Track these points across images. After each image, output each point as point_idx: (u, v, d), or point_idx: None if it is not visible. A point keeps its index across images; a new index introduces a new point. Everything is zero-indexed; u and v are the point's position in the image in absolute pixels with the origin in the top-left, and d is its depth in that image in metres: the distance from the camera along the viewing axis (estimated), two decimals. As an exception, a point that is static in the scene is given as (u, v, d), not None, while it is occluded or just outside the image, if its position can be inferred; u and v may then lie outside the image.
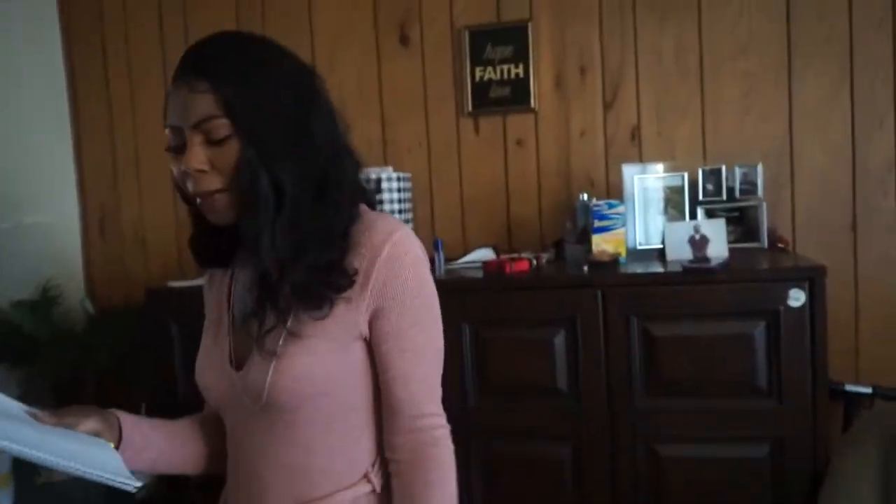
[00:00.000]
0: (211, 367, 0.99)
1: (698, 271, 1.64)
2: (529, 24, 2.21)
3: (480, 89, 2.27)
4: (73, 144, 2.59)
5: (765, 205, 1.87)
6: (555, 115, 2.24)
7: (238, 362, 0.96)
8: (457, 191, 2.32)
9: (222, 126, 0.87)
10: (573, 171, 2.23)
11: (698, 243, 1.85)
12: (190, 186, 0.89)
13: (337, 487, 0.93)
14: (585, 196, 2.00)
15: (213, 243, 0.99)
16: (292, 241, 0.89)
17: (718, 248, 1.83)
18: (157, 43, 2.52)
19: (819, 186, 2.04)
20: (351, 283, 0.90)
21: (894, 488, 1.42)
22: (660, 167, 1.97)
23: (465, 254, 2.15)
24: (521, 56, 2.23)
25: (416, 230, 2.21)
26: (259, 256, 0.89)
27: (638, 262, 1.88)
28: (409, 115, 2.34)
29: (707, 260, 1.78)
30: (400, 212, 2.09)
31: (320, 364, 0.90)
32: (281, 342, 0.90)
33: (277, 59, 0.93)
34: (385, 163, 2.32)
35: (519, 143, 2.27)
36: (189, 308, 1.90)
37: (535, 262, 1.86)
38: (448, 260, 2.06)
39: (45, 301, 2.37)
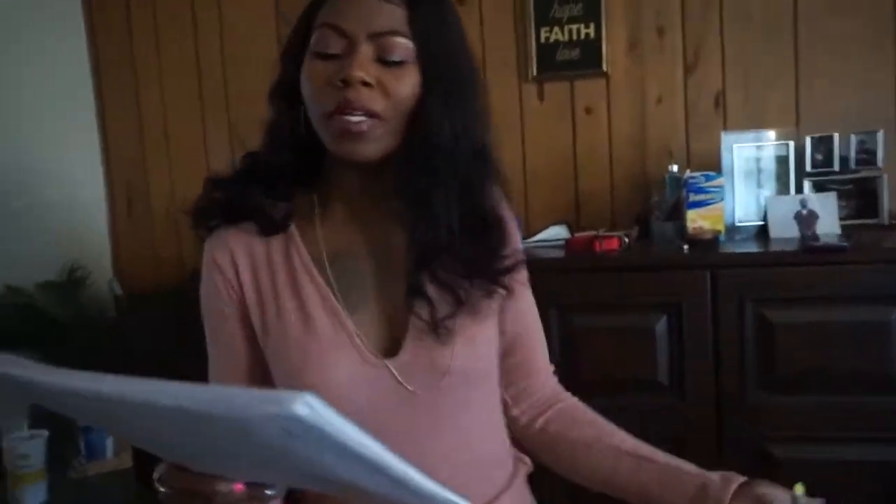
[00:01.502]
0: (339, 360, 0.81)
1: (824, 249, 1.46)
2: (602, -19, 2.01)
3: (546, 52, 2.07)
4: (96, 116, 2.40)
5: (885, 176, 1.68)
6: (629, 81, 2.04)
7: (382, 348, 0.83)
8: (519, 164, 2.13)
9: (404, 48, 0.77)
10: (649, 141, 2.04)
11: (806, 219, 1.66)
12: (338, 99, 0.75)
13: (508, 474, 0.91)
14: (676, 167, 1.81)
15: (262, 198, 0.85)
16: (461, 207, 0.80)
17: (829, 225, 1.64)
18: (187, 7, 2.31)
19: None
20: (517, 262, 0.86)
21: None
22: (770, 134, 1.77)
23: (529, 232, 1.97)
24: (592, 14, 2.03)
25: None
26: (432, 219, 0.79)
27: (738, 240, 1.69)
28: (467, 80, 2.14)
29: (816, 238, 1.59)
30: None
31: (493, 342, 0.88)
32: (457, 320, 0.82)
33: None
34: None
35: (588, 110, 2.08)
36: None
37: (626, 239, 1.67)
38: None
39: (72, 283, 2.19)
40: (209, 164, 2.32)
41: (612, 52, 2.03)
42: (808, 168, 1.73)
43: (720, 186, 1.67)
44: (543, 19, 2.07)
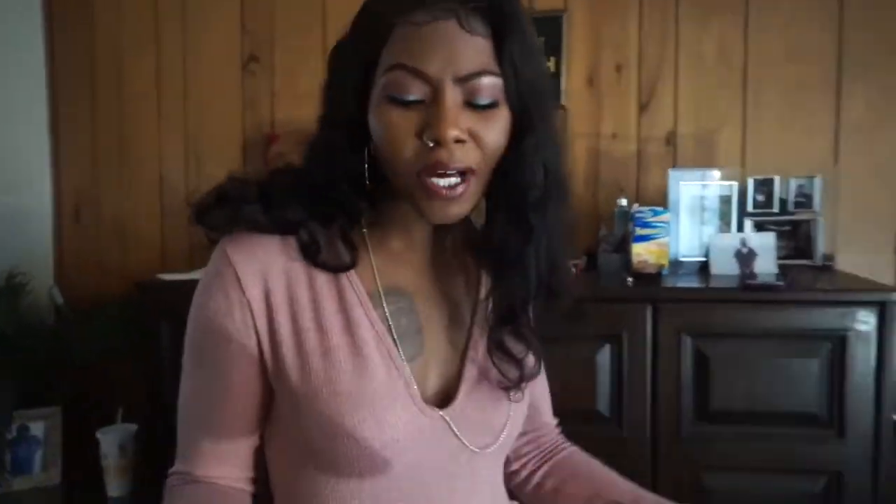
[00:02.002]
0: (395, 408, 0.72)
1: (761, 288, 1.51)
2: (563, 16, 2.06)
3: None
4: (49, 123, 2.35)
5: (821, 220, 1.75)
6: (586, 115, 2.09)
7: (432, 397, 0.76)
8: (475, 190, 2.16)
9: (494, 88, 0.67)
10: (602, 174, 2.09)
11: (745, 257, 1.72)
12: (428, 159, 0.67)
13: None
14: (625, 201, 1.86)
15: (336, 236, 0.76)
16: (549, 256, 0.75)
17: (767, 264, 1.70)
18: (150, 18, 2.30)
19: (863, 204, 1.94)
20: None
21: None
22: (715, 173, 1.83)
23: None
24: (553, 49, 2.08)
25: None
26: (524, 276, 0.74)
27: (680, 274, 1.74)
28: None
29: (754, 276, 1.65)
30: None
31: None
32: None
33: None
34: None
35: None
36: (184, 304, 1.73)
37: (573, 270, 1.71)
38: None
39: (10, 290, 2.13)
40: (163, 176, 2.29)
41: (571, 86, 2.09)
42: (750, 208, 1.80)
43: (666, 222, 1.72)
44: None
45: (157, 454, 1.78)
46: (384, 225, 0.78)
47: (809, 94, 1.96)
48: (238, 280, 0.72)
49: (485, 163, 0.69)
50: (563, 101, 2.08)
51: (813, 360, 1.48)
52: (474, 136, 0.68)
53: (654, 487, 1.52)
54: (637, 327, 1.53)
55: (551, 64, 2.08)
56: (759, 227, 1.77)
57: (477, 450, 0.76)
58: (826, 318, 1.47)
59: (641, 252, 1.71)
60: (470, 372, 0.78)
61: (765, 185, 1.79)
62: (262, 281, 0.72)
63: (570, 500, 0.88)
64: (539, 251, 0.74)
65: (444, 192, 0.68)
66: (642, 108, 2.06)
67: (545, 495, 0.90)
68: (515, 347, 0.77)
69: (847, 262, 1.90)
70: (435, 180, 0.67)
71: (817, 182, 1.78)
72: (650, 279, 1.65)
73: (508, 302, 0.76)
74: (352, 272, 0.75)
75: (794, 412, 1.50)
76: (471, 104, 0.67)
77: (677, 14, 2.02)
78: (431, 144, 0.66)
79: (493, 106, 0.68)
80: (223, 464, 0.77)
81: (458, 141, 0.67)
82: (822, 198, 1.80)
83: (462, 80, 0.66)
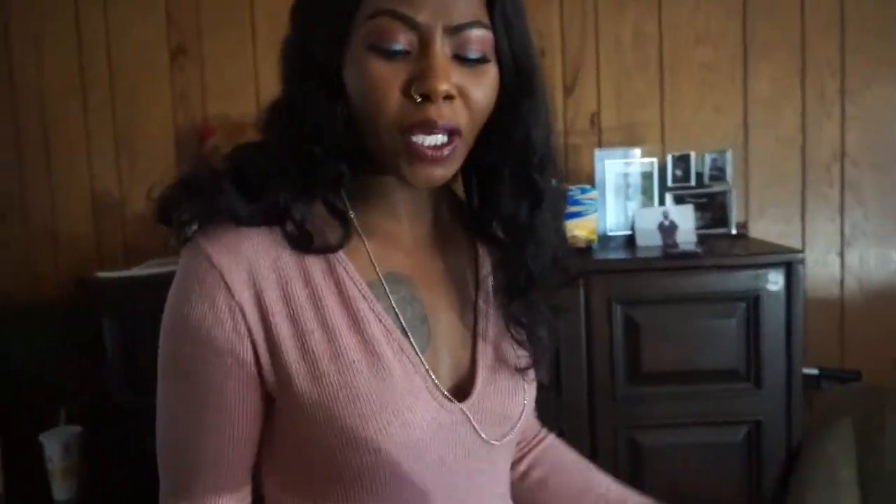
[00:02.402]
0: (417, 407, 0.67)
1: (682, 256, 1.63)
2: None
3: (436, 70, 2.18)
4: (-32, 119, 2.28)
5: (734, 191, 1.88)
6: (514, 100, 2.17)
7: (448, 390, 0.71)
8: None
9: (484, 41, 0.63)
10: (532, 157, 2.18)
11: (668, 229, 1.84)
12: (415, 117, 0.61)
13: None
14: (554, 181, 1.95)
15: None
16: (556, 221, 0.75)
17: (687, 234, 1.83)
18: (70, 10, 2.25)
19: (771, 175, 2.09)
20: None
21: (869, 465, 1.45)
22: (636, 152, 1.95)
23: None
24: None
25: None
26: (539, 245, 0.72)
27: (609, 248, 1.84)
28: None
29: (676, 245, 1.77)
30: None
31: None
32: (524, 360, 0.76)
33: None
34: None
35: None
36: (127, 302, 1.75)
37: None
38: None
39: (-61, 296, 2.07)
40: (94, 174, 2.25)
41: (497, 72, 2.16)
42: (670, 183, 1.92)
43: (593, 199, 1.82)
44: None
45: (102, 455, 1.78)
46: (367, 202, 0.71)
47: (719, 75, 2.09)
48: (225, 283, 0.63)
49: (471, 124, 0.64)
50: (492, 86, 2.15)
51: (731, 320, 1.61)
52: (463, 94, 0.63)
53: (593, 446, 1.63)
54: (571, 298, 1.62)
55: (479, 51, 2.15)
56: (679, 200, 1.90)
57: (495, 442, 0.72)
58: (740, 281, 1.60)
59: (572, 228, 1.81)
60: (484, 359, 0.73)
61: (682, 161, 1.92)
62: (251, 281, 0.64)
63: (558, 490, 0.87)
64: (548, 216, 0.72)
65: (429, 152, 0.62)
66: (567, 92, 2.16)
67: (532, 485, 0.88)
68: (531, 321, 0.74)
69: (760, 229, 2.06)
70: (421, 139, 0.62)
71: (728, 155, 1.91)
72: (581, 253, 1.74)
73: (526, 272, 0.72)
74: (346, 260, 0.68)
75: (717, 369, 1.62)
76: (460, 58, 0.62)
77: (596, 2, 2.13)
78: (419, 99, 0.61)
79: (482, 61, 0.63)
80: (221, 489, 0.70)
81: (448, 97, 0.61)
82: (733, 170, 1.94)
83: (453, 31, 0.61)
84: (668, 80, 2.12)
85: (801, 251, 1.62)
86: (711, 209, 1.88)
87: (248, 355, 0.65)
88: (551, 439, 0.94)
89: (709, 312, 1.62)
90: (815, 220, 2.09)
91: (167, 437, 0.70)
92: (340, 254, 0.68)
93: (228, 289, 0.64)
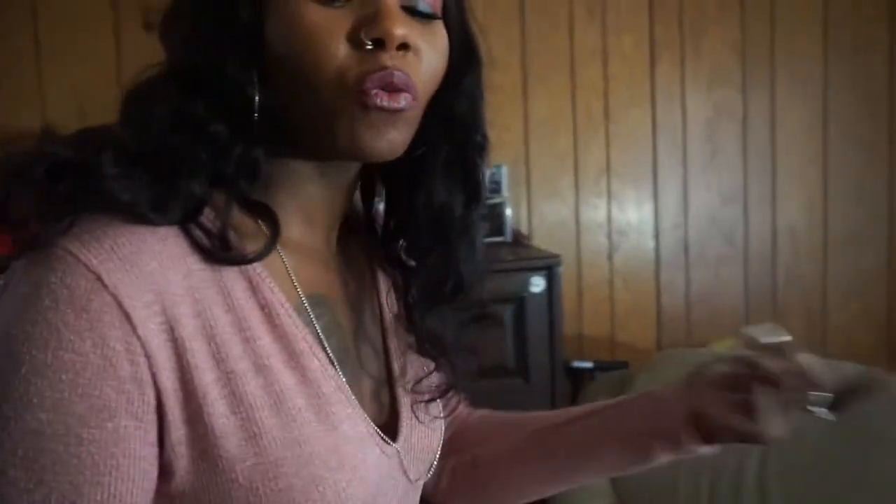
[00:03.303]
0: (367, 456, 0.56)
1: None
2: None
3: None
4: None
5: (508, 202, 2.07)
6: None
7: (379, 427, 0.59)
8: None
9: None
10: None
11: (452, 239, 1.98)
12: (366, 67, 0.50)
13: None
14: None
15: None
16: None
17: (470, 244, 1.98)
18: None
19: (550, 188, 2.31)
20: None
21: None
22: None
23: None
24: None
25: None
26: (470, 249, 0.62)
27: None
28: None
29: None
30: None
31: None
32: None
33: None
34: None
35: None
36: None
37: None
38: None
39: None
40: None
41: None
42: (453, 196, 2.07)
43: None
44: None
45: None
46: (275, 203, 0.56)
47: (504, 98, 2.29)
48: (123, 312, 0.45)
49: (424, 89, 0.54)
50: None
51: (502, 319, 1.77)
52: (416, 50, 0.53)
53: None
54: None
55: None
56: (462, 211, 2.05)
57: (419, 480, 0.64)
58: (509, 284, 1.77)
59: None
60: (402, 391, 0.63)
61: (464, 176, 2.08)
62: (159, 307, 0.47)
63: (483, 475, 0.74)
64: (483, 211, 0.63)
65: (386, 100, 0.51)
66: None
67: (457, 485, 0.75)
68: (447, 337, 0.64)
69: (541, 237, 2.27)
70: (374, 91, 0.50)
71: (504, 170, 2.10)
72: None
73: (455, 277, 0.62)
74: (270, 279, 0.53)
75: (493, 366, 1.78)
76: (409, 9, 0.53)
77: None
78: (370, 45, 0.50)
79: (433, 18, 0.55)
80: None
81: (403, 46, 0.51)
82: (509, 183, 2.13)
83: None
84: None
85: (558, 256, 1.81)
86: (490, 219, 2.06)
87: (150, 412, 0.47)
88: (460, 422, 0.79)
89: (485, 314, 1.77)
90: (588, 227, 2.34)
91: None
92: (259, 267, 0.53)
93: (128, 319, 0.45)
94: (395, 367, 0.64)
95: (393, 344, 0.65)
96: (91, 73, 2.10)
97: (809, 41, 2.35)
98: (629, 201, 2.35)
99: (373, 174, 0.65)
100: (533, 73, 2.28)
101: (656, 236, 2.36)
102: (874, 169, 2.42)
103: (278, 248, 0.54)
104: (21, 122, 2.05)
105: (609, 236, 2.34)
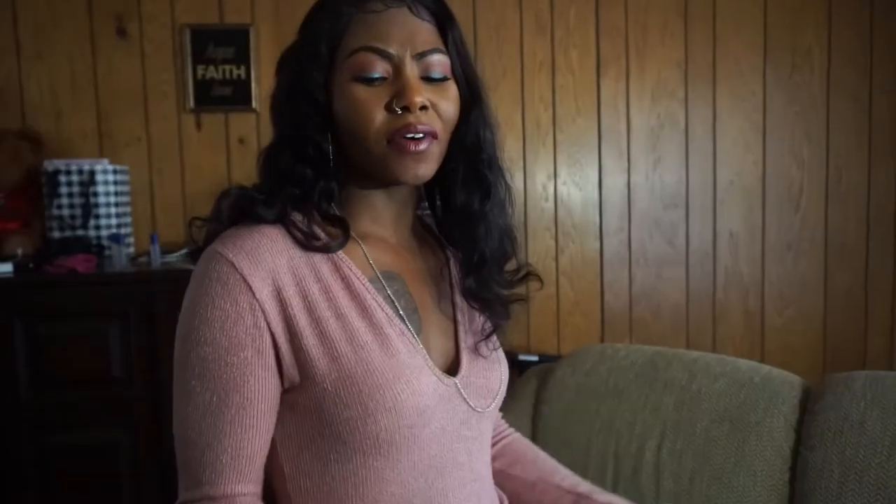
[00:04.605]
0: (422, 382, 0.78)
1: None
2: (251, 29, 2.32)
3: (203, 87, 2.32)
4: None
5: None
6: (276, 118, 2.37)
7: (443, 367, 0.83)
8: (178, 186, 2.35)
9: (445, 65, 0.79)
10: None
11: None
12: (398, 124, 0.75)
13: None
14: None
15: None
16: (503, 214, 0.86)
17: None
18: None
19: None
20: (528, 274, 0.92)
21: (539, 438, 1.75)
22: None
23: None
24: (242, 58, 2.33)
25: (135, 224, 2.21)
26: (488, 231, 0.83)
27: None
28: (128, 108, 2.31)
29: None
30: (116, 205, 2.08)
31: None
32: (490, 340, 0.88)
33: None
34: (101, 155, 2.27)
35: (241, 141, 2.37)
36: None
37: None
38: (167, 252, 2.10)
39: None
40: None
41: (262, 92, 2.35)
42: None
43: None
44: (200, 58, 2.31)
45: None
46: (356, 212, 0.84)
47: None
48: (247, 284, 0.73)
49: (444, 129, 0.78)
50: (255, 104, 2.34)
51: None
52: (433, 106, 0.77)
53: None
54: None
55: (241, 72, 2.33)
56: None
57: (481, 410, 0.84)
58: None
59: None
60: (465, 341, 0.86)
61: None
62: (271, 280, 0.74)
63: (514, 481, 0.96)
64: (495, 206, 0.84)
65: (412, 147, 0.75)
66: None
67: (495, 474, 0.95)
68: (485, 295, 0.86)
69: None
70: (407, 139, 0.75)
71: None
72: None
73: (479, 253, 0.84)
74: (348, 260, 0.79)
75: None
76: (427, 78, 0.77)
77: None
78: (399, 111, 0.75)
79: (444, 80, 0.78)
80: (242, 480, 0.76)
81: (423, 108, 0.75)
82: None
83: (419, 56, 0.77)
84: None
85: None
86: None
87: (268, 347, 0.74)
88: (515, 436, 1.03)
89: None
90: (536, 229, 2.47)
91: (188, 435, 0.75)
92: (342, 254, 0.79)
93: (251, 288, 0.73)
94: (461, 326, 0.87)
95: (459, 310, 0.88)
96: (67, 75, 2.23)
97: (750, 60, 2.48)
98: (575, 205, 2.48)
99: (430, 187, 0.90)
100: (484, 83, 2.40)
101: (600, 238, 2.49)
102: (809, 181, 2.55)
103: (359, 241, 0.82)
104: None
105: (556, 238, 2.48)
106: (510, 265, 0.90)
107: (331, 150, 0.79)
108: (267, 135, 2.26)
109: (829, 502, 1.30)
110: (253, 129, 2.37)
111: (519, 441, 1.03)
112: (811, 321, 2.58)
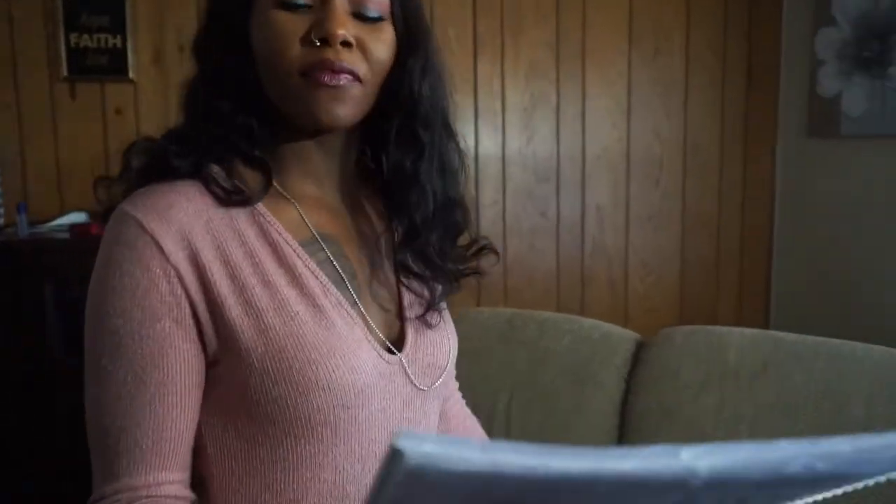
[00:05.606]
0: (361, 356, 0.70)
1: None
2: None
3: (77, 55, 2.28)
4: None
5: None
6: (154, 88, 2.36)
7: (388, 341, 0.76)
8: (52, 157, 2.31)
9: (381, 3, 0.71)
10: (174, 142, 2.39)
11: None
12: (313, 59, 0.67)
13: None
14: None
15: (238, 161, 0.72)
16: (444, 178, 0.77)
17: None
18: None
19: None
20: (483, 247, 0.86)
21: None
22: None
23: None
24: (118, 27, 2.29)
25: (5, 194, 2.17)
26: (422, 194, 0.75)
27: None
28: (-4, 76, 2.24)
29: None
30: (-18, 175, 2.03)
31: None
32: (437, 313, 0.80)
33: None
34: (-35, 124, 2.20)
35: (118, 112, 2.35)
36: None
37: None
38: (39, 222, 2.08)
39: None
40: None
41: (139, 62, 2.33)
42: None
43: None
44: (73, 26, 2.26)
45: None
46: (287, 168, 0.75)
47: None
48: (158, 246, 0.65)
49: (371, 74, 0.70)
50: (132, 75, 2.32)
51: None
52: (361, 46, 0.69)
53: None
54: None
55: (117, 41, 2.30)
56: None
57: (426, 388, 0.77)
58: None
59: None
60: (410, 312, 0.78)
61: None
62: (185, 242, 0.66)
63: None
64: (432, 168, 0.75)
65: (326, 78, 0.67)
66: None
67: None
68: (421, 268, 0.78)
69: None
70: (321, 74, 0.67)
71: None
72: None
73: (409, 220, 0.76)
74: (276, 222, 0.71)
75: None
76: (359, 15, 0.69)
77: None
78: (318, 43, 0.67)
79: (379, 19, 0.70)
80: (167, 466, 0.67)
81: (345, 44, 0.67)
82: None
83: None
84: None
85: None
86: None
87: (187, 316, 0.66)
88: (457, 408, 0.97)
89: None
90: (486, 215, 2.59)
91: (102, 422, 0.66)
92: (270, 216, 0.71)
93: (163, 251, 0.65)
94: (406, 293, 0.79)
95: (404, 274, 0.80)
96: None
97: (616, 42, 2.66)
98: (530, 194, 2.61)
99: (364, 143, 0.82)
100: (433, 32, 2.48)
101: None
102: (669, 156, 2.78)
103: (293, 200, 0.74)
104: None
105: (503, 224, 2.60)
106: (463, 239, 0.84)
107: (246, 77, 0.71)
108: (145, 106, 2.28)
109: (649, 441, 1.49)
110: (130, 99, 2.35)
111: (461, 414, 0.97)
112: (669, 286, 2.83)
